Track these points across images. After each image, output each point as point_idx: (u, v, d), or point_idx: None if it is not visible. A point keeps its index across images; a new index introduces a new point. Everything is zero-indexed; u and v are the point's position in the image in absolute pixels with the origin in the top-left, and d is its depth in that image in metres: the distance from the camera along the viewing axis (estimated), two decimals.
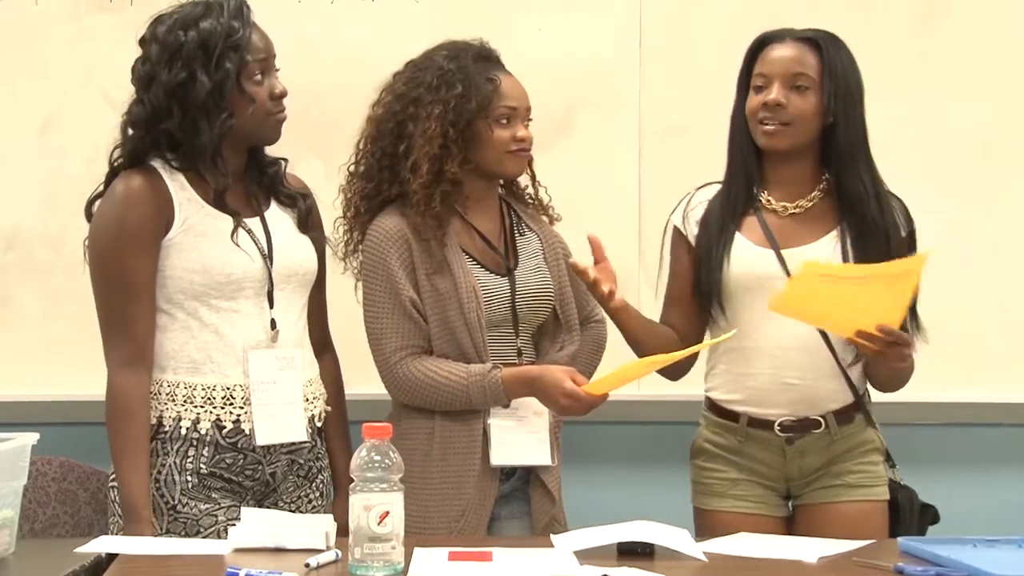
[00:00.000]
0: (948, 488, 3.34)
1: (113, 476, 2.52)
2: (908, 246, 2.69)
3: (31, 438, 2.31)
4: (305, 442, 2.60)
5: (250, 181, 2.63)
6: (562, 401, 2.53)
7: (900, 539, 2.37)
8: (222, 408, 2.52)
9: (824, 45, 2.65)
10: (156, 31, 2.55)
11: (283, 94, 2.55)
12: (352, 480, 2.07)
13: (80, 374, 3.26)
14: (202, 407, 2.51)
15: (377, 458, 2.05)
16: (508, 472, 2.65)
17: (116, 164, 2.58)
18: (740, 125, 2.70)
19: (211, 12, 2.52)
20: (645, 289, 3.28)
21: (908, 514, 2.68)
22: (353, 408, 2.78)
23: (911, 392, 3.32)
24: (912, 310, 2.64)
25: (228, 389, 2.53)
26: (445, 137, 2.59)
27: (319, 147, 3.16)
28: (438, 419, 2.61)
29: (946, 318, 3.37)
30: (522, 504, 2.68)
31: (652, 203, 3.33)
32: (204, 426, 2.51)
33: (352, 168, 2.72)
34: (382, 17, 3.36)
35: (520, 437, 2.61)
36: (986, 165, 3.41)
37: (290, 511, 2.60)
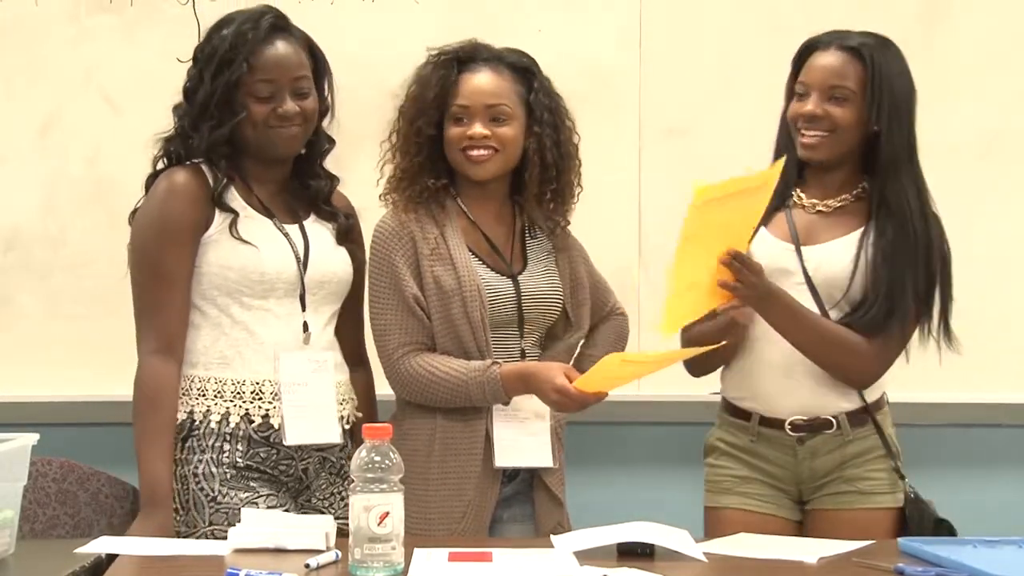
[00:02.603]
0: (948, 488, 3.34)
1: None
2: (941, 266, 2.65)
3: (31, 439, 2.31)
4: (336, 442, 2.62)
5: (293, 191, 2.67)
6: (552, 396, 2.53)
7: (900, 539, 2.37)
8: (251, 403, 2.55)
9: (869, 55, 2.59)
10: (207, 31, 2.62)
11: (285, 114, 2.55)
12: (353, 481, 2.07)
13: (80, 375, 3.27)
14: (231, 401, 2.54)
15: (377, 459, 2.05)
16: (511, 474, 2.65)
17: (156, 161, 2.63)
18: (785, 127, 2.70)
19: (235, 21, 2.57)
20: (645, 289, 3.29)
21: (917, 529, 2.61)
22: None
23: (911, 392, 3.32)
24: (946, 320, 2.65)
25: (257, 384, 2.56)
26: (398, 132, 2.65)
27: None
28: (440, 419, 2.61)
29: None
30: (525, 507, 2.67)
31: (652, 204, 3.33)
32: (234, 419, 2.53)
33: None
34: (382, 18, 3.36)
35: (522, 439, 2.61)
36: (986, 165, 3.41)
37: (323, 508, 2.61)
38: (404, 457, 2.10)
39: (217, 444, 2.53)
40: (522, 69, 2.69)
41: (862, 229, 2.64)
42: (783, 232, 2.67)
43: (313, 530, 2.28)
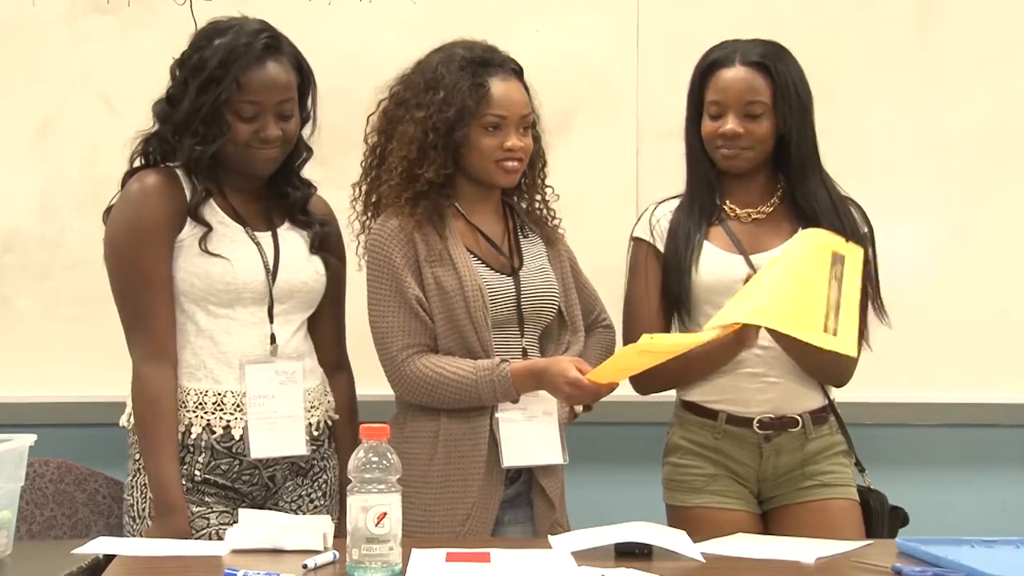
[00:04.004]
0: (946, 489, 3.35)
1: (133, 478, 2.55)
2: (869, 245, 2.71)
3: (28, 439, 2.31)
4: (303, 454, 2.60)
5: (268, 199, 2.64)
6: (567, 390, 2.51)
7: (899, 539, 2.37)
8: (213, 414, 2.53)
9: (773, 66, 2.66)
10: (196, 34, 2.57)
11: (267, 138, 2.53)
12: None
13: (77, 376, 3.27)
14: (194, 412, 2.52)
15: (375, 459, 2.05)
16: (512, 476, 2.64)
17: (133, 159, 2.60)
18: (696, 141, 2.73)
19: (228, 34, 2.52)
20: None
21: (880, 516, 2.71)
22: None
23: (909, 393, 3.33)
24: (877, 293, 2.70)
25: (219, 395, 2.54)
26: (423, 142, 2.58)
27: (316, 148, 3.15)
28: (443, 421, 2.59)
29: (945, 318, 3.39)
30: (526, 509, 2.66)
31: None
32: (196, 430, 2.52)
33: (361, 164, 2.72)
34: (379, 18, 3.36)
35: (531, 438, 2.60)
36: (986, 165, 3.41)
37: (291, 510, 2.60)
38: (407, 460, 2.09)
39: (179, 455, 2.51)
40: (520, 72, 2.69)
41: (800, 231, 2.68)
42: (726, 244, 2.70)
43: (311, 530, 2.28)
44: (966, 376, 3.38)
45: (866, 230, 2.73)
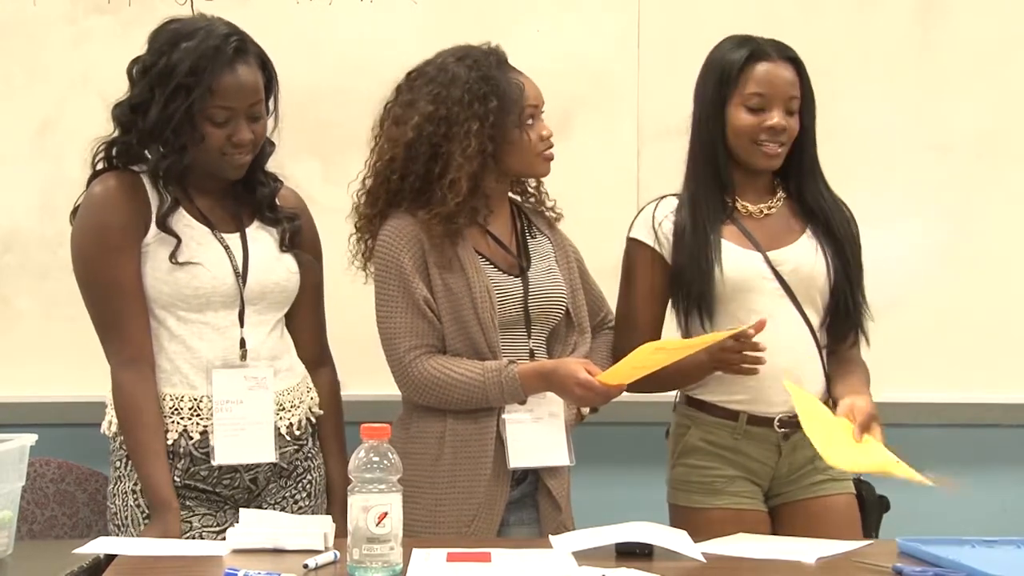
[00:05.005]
0: (946, 488, 3.35)
1: (114, 486, 2.54)
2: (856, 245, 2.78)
3: (29, 439, 2.31)
4: (270, 461, 2.56)
5: (235, 198, 2.60)
6: (577, 391, 2.51)
7: (899, 539, 2.37)
8: (189, 419, 2.51)
9: (800, 64, 2.70)
10: (156, 37, 2.51)
11: (240, 142, 2.49)
12: (347, 484, 2.07)
13: (78, 376, 3.26)
14: (169, 417, 2.50)
15: (376, 459, 2.05)
16: (518, 478, 2.64)
17: (96, 163, 2.57)
18: (717, 135, 2.71)
19: (195, 37, 2.45)
20: None
21: (874, 507, 2.77)
22: (355, 409, 2.77)
23: (911, 392, 3.33)
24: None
25: (195, 400, 2.51)
26: (483, 153, 2.55)
27: (317, 147, 3.16)
28: (449, 421, 2.58)
29: (945, 318, 3.39)
30: (531, 511, 2.66)
31: None
32: (172, 436, 2.49)
33: (369, 184, 2.66)
34: (380, 18, 3.36)
35: (537, 439, 2.60)
36: (986, 165, 3.41)
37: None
38: (413, 461, 2.09)
39: (167, 456, 2.48)
40: None
41: (809, 229, 2.74)
42: (742, 241, 2.70)
43: (311, 530, 2.28)
44: (966, 376, 3.38)
45: (854, 231, 2.77)
